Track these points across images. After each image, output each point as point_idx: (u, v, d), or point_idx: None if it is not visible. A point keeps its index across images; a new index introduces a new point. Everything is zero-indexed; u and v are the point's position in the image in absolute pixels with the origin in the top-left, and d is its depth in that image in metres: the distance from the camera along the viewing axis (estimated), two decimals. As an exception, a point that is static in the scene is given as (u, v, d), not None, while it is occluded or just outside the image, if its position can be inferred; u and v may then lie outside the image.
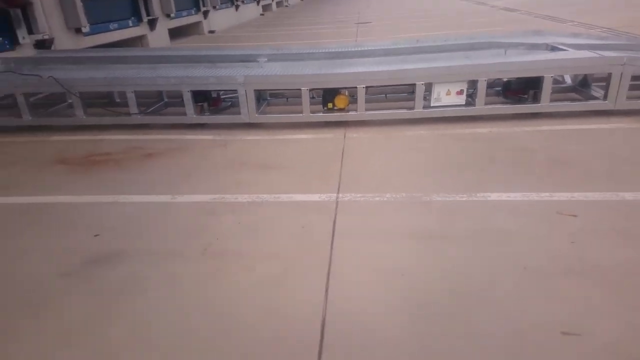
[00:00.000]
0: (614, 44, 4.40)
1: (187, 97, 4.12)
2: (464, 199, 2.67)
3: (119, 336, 1.75)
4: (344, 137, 3.92)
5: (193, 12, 12.79)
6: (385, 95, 4.62)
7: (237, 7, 16.58)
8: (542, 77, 3.72)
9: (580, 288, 1.85)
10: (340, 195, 2.84)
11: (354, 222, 2.51)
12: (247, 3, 17.67)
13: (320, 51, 5.15)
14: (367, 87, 4.10)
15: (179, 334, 1.74)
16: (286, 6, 24.98)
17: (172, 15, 10.99)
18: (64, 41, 7.09)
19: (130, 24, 9.29)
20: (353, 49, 5.11)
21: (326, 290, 1.95)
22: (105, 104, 4.72)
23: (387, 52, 4.97)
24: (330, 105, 4.24)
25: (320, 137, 3.97)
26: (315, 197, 2.85)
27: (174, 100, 4.72)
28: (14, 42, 6.16)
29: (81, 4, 7.20)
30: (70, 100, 4.62)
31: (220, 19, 14.61)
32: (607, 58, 3.65)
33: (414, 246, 2.23)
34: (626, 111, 3.74)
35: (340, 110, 4.23)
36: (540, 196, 2.58)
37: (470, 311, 1.76)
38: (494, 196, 2.65)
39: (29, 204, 2.97)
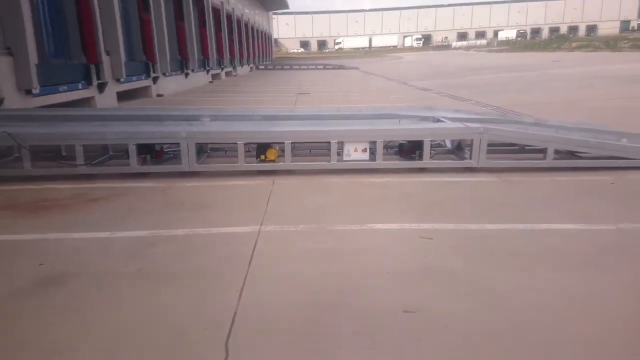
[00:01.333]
0: (482, 118, 5.61)
1: (132, 149, 4.64)
2: (357, 228, 3.37)
3: (54, 341, 2.14)
4: (273, 183, 4.59)
5: (143, 77, 13.51)
6: (310, 151, 5.43)
7: (186, 74, 17.60)
8: (423, 141, 4.73)
9: (425, 281, 2.54)
10: (262, 227, 3.43)
11: (270, 248, 3.08)
12: (196, 71, 18.78)
13: (256, 114, 5.97)
14: (292, 143, 4.89)
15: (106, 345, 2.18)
16: (234, 76, 26.57)
17: (122, 79, 11.62)
18: (14, 101, 7.40)
19: (80, 87, 9.76)
20: (284, 113, 6.00)
21: (240, 295, 2.47)
22: (51, 158, 5.07)
23: (311, 117, 5.89)
24: (262, 157, 4.94)
25: (252, 184, 4.61)
26: (241, 229, 3.41)
27: (118, 153, 5.19)
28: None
29: (35, 69, 7.66)
30: (17, 154, 4.95)
31: (169, 84, 15.43)
32: (470, 128, 4.75)
33: (314, 264, 2.83)
34: (487, 168, 4.77)
35: (271, 161, 4.94)
36: (411, 226, 3.35)
37: (347, 302, 2.37)
38: (378, 226, 3.38)
39: (-25, 240, 3.25)
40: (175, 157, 5.05)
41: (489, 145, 5.17)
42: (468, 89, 14.16)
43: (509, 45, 65.23)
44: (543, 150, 4.76)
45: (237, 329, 2.13)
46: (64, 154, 5.30)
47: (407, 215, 3.59)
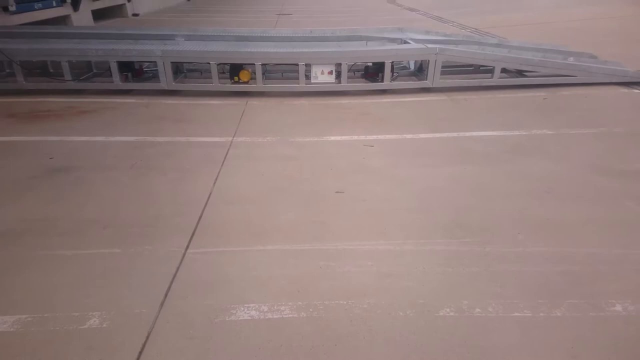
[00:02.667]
0: (445, 39, 6.02)
1: (114, 67, 5.05)
2: (315, 139, 4.02)
3: (74, 204, 2.83)
4: (246, 103, 5.11)
5: (117, -6, 13.06)
6: (282, 74, 5.88)
7: (162, -9, 16.87)
8: (384, 62, 5.20)
9: (358, 174, 3.26)
10: (235, 138, 4.05)
11: (240, 152, 3.73)
12: (172, -12, 17.94)
13: (229, 34, 6.27)
14: (264, 65, 5.33)
15: (114, 206, 2.88)
16: (214, -7, 25.23)
17: (95, -4, 11.32)
18: (-11, 17, 7.43)
19: (54, 4, 9.60)
20: (257, 34, 6.31)
21: (214, 182, 3.16)
22: (39, 74, 5.44)
23: (284, 39, 6.23)
24: (236, 78, 5.39)
25: (227, 103, 5.13)
26: (216, 139, 4.03)
27: (102, 71, 5.57)
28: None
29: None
30: (8, 70, 5.31)
31: (144, 2, 14.91)
32: (427, 49, 5.21)
33: (276, 163, 3.51)
34: (441, 88, 5.33)
35: (244, 83, 5.41)
36: (359, 137, 4.01)
37: (296, 186, 3.08)
38: (332, 137, 4.03)
39: (-13, 143, 3.83)
40: (155, 76, 5.47)
41: (450, 66, 5.70)
42: (454, 9, 14.08)
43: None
44: (492, 70, 5.30)
45: (212, 202, 2.85)
46: (50, 70, 5.66)
47: (359, 129, 4.23)
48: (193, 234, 2.51)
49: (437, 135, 4.03)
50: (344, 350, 1.75)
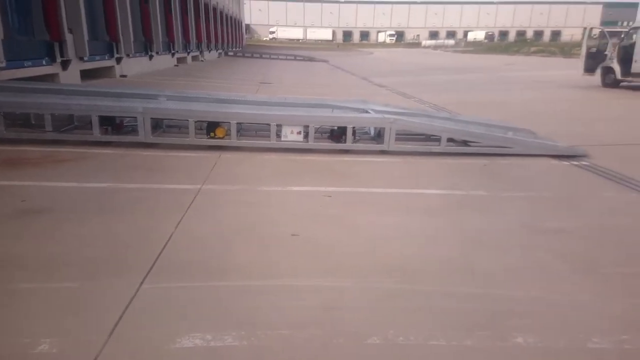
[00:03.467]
0: (401, 111, 6.65)
1: (95, 120, 5.36)
2: (280, 189, 4.31)
3: (40, 242, 2.96)
4: (219, 156, 5.43)
5: (106, 57, 13.84)
6: (255, 132, 6.30)
7: (150, 56, 17.90)
8: (346, 127, 5.72)
9: (314, 220, 3.51)
10: (204, 186, 4.30)
11: (207, 199, 3.95)
12: (161, 54, 19.06)
13: (210, 96, 6.77)
14: (238, 123, 5.76)
15: (78, 245, 3.02)
16: (201, 61, 26.80)
17: (86, 58, 11.99)
18: (-21, 72, 7.81)
19: (44, 63, 10.14)
20: (235, 98, 6.83)
21: (177, 225, 3.35)
22: (21, 125, 5.69)
23: (259, 103, 6.77)
24: (212, 134, 5.77)
25: (201, 156, 5.44)
26: (186, 187, 4.26)
27: (82, 124, 5.87)
28: None
29: (0, 42, 8.07)
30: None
31: (133, 65, 15.76)
32: (384, 118, 5.78)
33: (239, 209, 3.74)
34: (397, 152, 5.81)
35: (220, 138, 5.78)
36: (320, 188, 4.32)
37: (256, 230, 3.30)
38: (295, 188, 4.34)
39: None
40: (134, 130, 5.79)
41: (405, 134, 6.25)
42: (420, 87, 15.35)
43: (474, 47, 67.80)
44: (439, 139, 5.86)
45: (172, 242, 3.03)
46: (33, 122, 5.92)
47: (321, 182, 4.56)
48: (149, 271, 2.65)
49: (390, 190, 4.39)
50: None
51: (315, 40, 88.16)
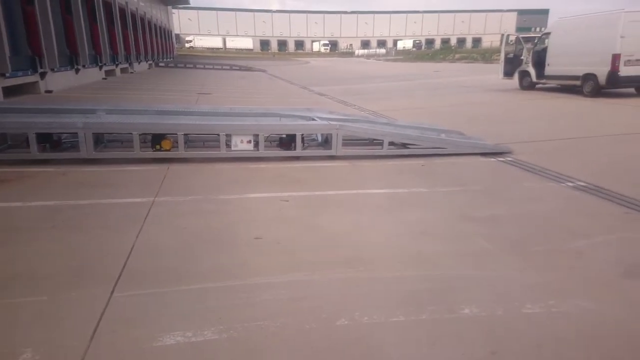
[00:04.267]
0: (345, 118, 7.04)
1: (32, 138, 5.10)
2: (236, 197, 4.43)
3: (-6, 261, 2.84)
4: (168, 169, 5.40)
5: (30, 72, 12.90)
6: (203, 143, 6.32)
7: (77, 70, 16.89)
8: (296, 134, 5.97)
9: (273, 223, 3.69)
10: (157, 198, 4.29)
11: (162, 210, 3.97)
12: (87, 67, 18.05)
13: (151, 109, 6.66)
14: (186, 135, 5.76)
15: (38, 261, 2.94)
16: (131, 73, 25.66)
17: (7, 74, 11.11)
18: None
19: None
20: (179, 109, 6.78)
21: (137, 236, 3.35)
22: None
23: (205, 113, 6.78)
24: (157, 147, 5.71)
25: (148, 169, 5.37)
26: (138, 200, 4.23)
27: (16, 142, 5.54)
28: None
29: None
30: None
31: (58, 80, 14.79)
32: (330, 125, 6.10)
33: (198, 218, 3.81)
34: (344, 156, 6.16)
35: (166, 150, 5.73)
36: (276, 194, 4.51)
37: (219, 235, 3.40)
38: (252, 195, 4.49)
39: None
40: (73, 146, 5.56)
41: (350, 139, 6.62)
42: (357, 94, 16.01)
43: (404, 55, 71.46)
44: (382, 143, 6.30)
45: (135, 253, 3.05)
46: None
47: (276, 188, 4.74)
48: (117, 280, 2.67)
49: (340, 192, 4.69)
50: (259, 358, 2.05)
51: (236, 49, 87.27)
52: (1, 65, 10.83)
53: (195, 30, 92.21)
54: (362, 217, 3.94)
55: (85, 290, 2.53)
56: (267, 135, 6.02)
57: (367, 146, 6.66)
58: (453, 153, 6.41)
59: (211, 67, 34.26)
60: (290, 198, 4.39)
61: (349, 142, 6.57)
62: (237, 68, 33.87)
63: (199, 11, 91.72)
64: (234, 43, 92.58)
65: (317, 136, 6.92)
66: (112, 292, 2.53)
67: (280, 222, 3.75)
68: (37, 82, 13.33)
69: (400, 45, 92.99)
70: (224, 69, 33.27)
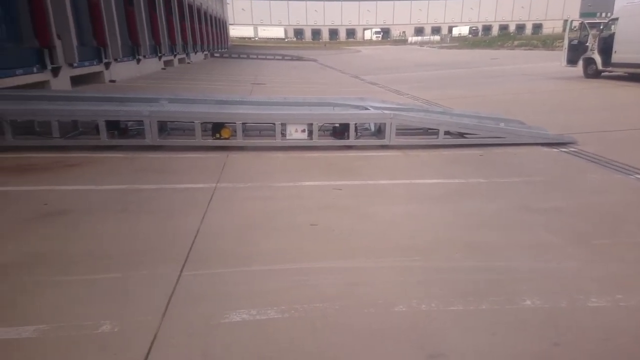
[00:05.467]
0: (399, 107, 6.91)
1: (102, 125, 5.48)
2: (291, 184, 4.51)
3: (73, 240, 3.12)
4: (227, 156, 5.60)
5: (95, 62, 13.81)
6: (259, 132, 6.48)
7: (138, 60, 17.84)
8: (349, 124, 5.95)
9: (327, 211, 3.73)
10: (218, 184, 4.47)
11: (224, 195, 4.14)
12: (148, 57, 19.00)
13: (210, 98, 6.91)
14: (243, 124, 5.94)
15: (110, 241, 3.19)
16: (188, 63, 26.71)
17: (75, 64, 11.97)
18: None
19: (35, 70, 10.13)
20: (236, 99, 6.99)
21: (202, 219, 3.53)
22: (28, 131, 5.77)
23: (261, 103, 6.94)
24: (217, 135, 5.93)
25: (209, 156, 5.59)
26: (200, 185, 4.43)
27: (88, 129, 5.98)
28: None
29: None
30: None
31: (121, 70, 15.70)
32: (384, 114, 6.01)
33: (256, 203, 3.94)
34: (397, 145, 6.07)
35: (225, 139, 5.94)
36: (329, 182, 4.55)
37: (276, 221, 3.50)
38: (305, 183, 4.55)
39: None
40: (139, 133, 5.91)
41: (404, 128, 6.50)
42: (410, 83, 15.66)
43: (459, 42, 68.52)
44: (437, 132, 6.12)
45: (200, 235, 3.22)
46: (37, 129, 6.01)
47: (329, 176, 4.78)
48: (186, 260, 2.84)
49: (394, 181, 4.64)
50: (319, 339, 2.11)
51: (267, 39, 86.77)
52: (70, 55, 11.64)
53: (248, 21, 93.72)
54: (417, 206, 3.89)
55: (156, 269, 2.72)
56: (320, 124, 6.06)
57: (421, 135, 6.51)
58: (513, 143, 6.12)
59: (263, 57, 34.99)
60: (343, 187, 4.41)
61: (402, 131, 6.46)
62: (289, 58, 34.32)
63: (252, 1, 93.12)
64: (265, 33, 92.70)
65: (369, 125, 6.86)
66: (181, 271, 2.69)
67: (335, 210, 3.78)
68: (101, 72, 14.24)
69: (456, 32, 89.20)
70: (276, 59, 33.82)
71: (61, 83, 11.30)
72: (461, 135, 6.39)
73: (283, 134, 5.96)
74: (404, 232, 3.34)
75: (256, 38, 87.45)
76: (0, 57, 8.61)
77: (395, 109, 6.63)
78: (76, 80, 12.52)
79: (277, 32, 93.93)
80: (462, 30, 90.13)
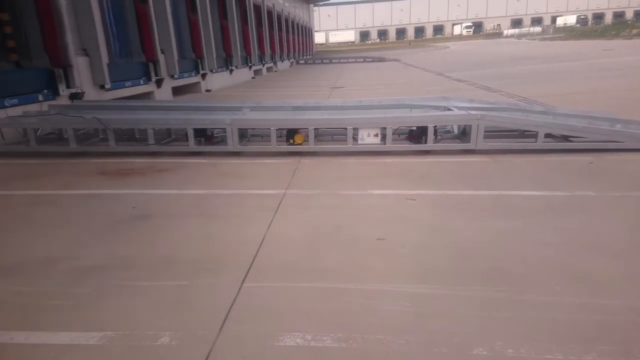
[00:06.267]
0: (488, 107, 6.30)
1: (190, 133, 5.86)
2: (360, 192, 4.34)
3: (150, 245, 3.32)
4: (299, 162, 5.62)
5: (193, 74, 15.04)
6: (332, 137, 6.41)
7: (231, 71, 19.08)
8: (427, 127, 5.57)
9: (397, 224, 3.47)
10: (287, 190, 4.48)
11: (291, 202, 4.13)
12: (239, 68, 20.22)
13: (287, 105, 7.03)
14: (315, 129, 5.93)
15: (183, 246, 3.33)
16: (275, 71, 27.92)
17: (176, 76, 13.15)
18: (91, 94, 8.97)
19: (142, 82, 11.33)
20: (311, 104, 7.02)
21: (268, 227, 3.53)
22: (127, 139, 6.42)
23: (335, 108, 6.87)
24: (291, 141, 5.99)
25: (282, 162, 5.67)
26: (271, 192, 4.48)
27: (179, 137, 6.45)
28: (55, 93, 8.00)
29: (107, 67, 9.19)
30: (101, 136, 6.34)
31: (216, 80, 16.92)
32: (470, 115, 5.51)
33: (323, 212, 3.85)
34: (485, 150, 5.51)
35: (298, 144, 5.98)
36: (402, 191, 4.27)
37: (342, 233, 3.36)
38: (376, 191, 4.33)
39: (86, 194, 4.59)
40: (223, 140, 6.21)
41: (495, 131, 5.93)
42: (503, 79, 14.46)
43: (565, 33, 61.90)
44: (536, 135, 5.45)
45: (265, 244, 3.21)
46: (137, 136, 6.65)
47: (402, 184, 4.51)
48: (248, 270, 2.83)
49: (479, 192, 4.19)
50: (377, 374, 1.90)
51: (339, 43, 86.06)
52: (171, 68, 12.83)
53: (333, 26, 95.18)
54: (507, 223, 3.44)
55: (221, 278, 2.74)
56: (395, 128, 5.78)
57: (516, 139, 5.87)
58: (632, 148, 5.22)
59: (345, 60, 35.39)
60: (417, 196, 4.11)
61: (492, 134, 5.90)
62: (371, 60, 34.26)
63: (338, 7, 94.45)
64: (336, 37, 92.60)
65: (452, 128, 6.39)
66: (243, 281, 2.69)
67: (406, 223, 3.52)
68: (199, 82, 15.47)
69: (560, 21, 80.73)
70: (358, 62, 33.87)
71: (164, 93, 12.51)
72: (565, 138, 5.63)
73: (355, 139, 5.81)
74: (489, 255, 2.95)
75: (327, 43, 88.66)
76: (113, 71, 9.74)
77: (484, 108, 6.07)
78: (177, 91, 13.77)
79: (347, 36, 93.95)
80: (567, 19, 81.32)
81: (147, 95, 11.75)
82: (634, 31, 46.99)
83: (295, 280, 2.70)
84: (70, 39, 8.25)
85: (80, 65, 8.69)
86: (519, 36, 71.28)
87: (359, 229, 3.44)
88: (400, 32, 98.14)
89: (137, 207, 4.09)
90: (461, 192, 4.22)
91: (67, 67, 8.19)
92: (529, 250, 2.99)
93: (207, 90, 15.93)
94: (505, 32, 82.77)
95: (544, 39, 55.66)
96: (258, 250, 3.12)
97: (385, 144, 5.71)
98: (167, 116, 6.13)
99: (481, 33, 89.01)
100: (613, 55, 22.25)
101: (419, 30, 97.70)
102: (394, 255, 2.99)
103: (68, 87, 8.23)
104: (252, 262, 2.95)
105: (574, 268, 2.71)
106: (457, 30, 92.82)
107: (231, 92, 16.05)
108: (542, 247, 3.01)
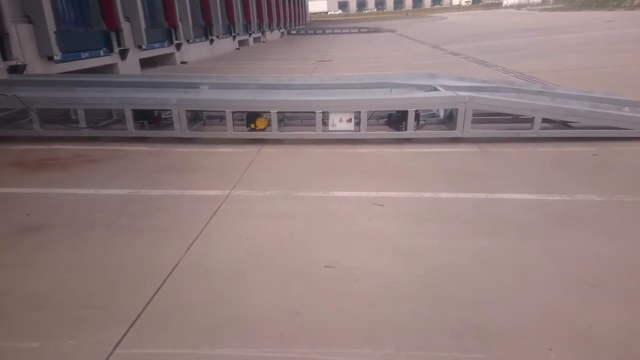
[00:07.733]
0: (480, 86, 5.41)
1: (129, 115, 4.96)
2: (319, 195, 3.53)
3: (23, 274, 2.51)
4: (259, 151, 4.78)
5: (165, 44, 13.84)
6: (301, 120, 5.54)
7: (211, 41, 17.79)
8: (407, 111, 4.71)
9: (355, 241, 2.69)
10: (232, 191, 3.67)
11: (232, 209, 3.32)
12: (222, 38, 18.89)
13: (253, 82, 6.10)
14: (283, 113, 5.04)
15: (64, 277, 2.51)
16: (263, 42, 26.45)
17: (144, 46, 11.99)
18: (36, 67, 7.93)
19: (102, 54, 10.21)
20: (282, 82, 6.09)
21: (189, 246, 2.74)
22: (62, 121, 5.51)
23: (308, 86, 5.94)
24: (252, 125, 5.12)
25: (239, 151, 4.82)
26: (212, 192, 3.66)
27: (121, 118, 5.54)
28: (-12, 67, 6.99)
29: (54, 35, 8.10)
30: (29, 117, 5.42)
31: (193, 51, 15.70)
32: (456, 97, 4.65)
33: (266, 224, 3.05)
34: (473, 138, 4.70)
35: (260, 130, 5.11)
36: (369, 193, 3.47)
37: (281, 256, 2.58)
38: (338, 193, 3.53)
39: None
40: (172, 123, 5.33)
41: (485, 115, 5.10)
42: (501, 53, 13.50)
43: (565, 3, 59.99)
44: (532, 120, 4.63)
45: (174, 275, 2.41)
46: (73, 117, 5.73)
47: (371, 183, 3.71)
48: (134, 322, 2.05)
49: (461, 195, 3.40)
50: None
51: (312, 13, 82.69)
52: (138, 38, 11.65)
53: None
54: (492, 243, 2.67)
55: (87, 339, 1.96)
56: (371, 112, 4.92)
57: (509, 124, 5.05)
58: (641, 137, 4.45)
59: (339, 31, 33.97)
60: (387, 201, 3.32)
61: (483, 118, 5.07)
62: (365, 30, 32.95)
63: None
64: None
65: (438, 111, 5.54)
66: (117, 345, 1.91)
67: (366, 241, 2.74)
68: (172, 53, 14.27)
69: (561, -9, 78.24)
70: (352, 32, 32.44)
71: (130, 66, 11.38)
72: (565, 124, 4.81)
73: (325, 124, 4.96)
74: (467, 294, 2.19)
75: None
76: (65, 41, 8.65)
77: (474, 88, 5.21)
78: (147, 62, 12.61)
79: (320, 6, 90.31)
80: (569, -11, 78.63)
81: (109, 69, 10.67)
82: (636, 2, 45.44)
83: (191, 342, 1.93)
84: (5, 2, 7.16)
85: (21, 33, 7.62)
86: (519, 7, 69.13)
87: (307, 250, 2.66)
88: (398, 2, 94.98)
89: (33, 214, 3.26)
90: (438, 194, 3.43)
91: (2, 36, 7.14)
92: (517, 285, 2.24)
93: (183, 62, 14.77)
94: (504, 2, 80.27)
95: (544, 10, 53.88)
96: (161, 286, 2.33)
97: (359, 130, 4.87)
98: (103, 94, 5.20)
99: (480, 3, 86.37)
100: (614, 27, 21.13)
101: (417, 1, 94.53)
102: (341, 294, 2.22)
103: (5, 59, 7.21)
104: (145, 306, 2.16)
105: (574, 319, 1.97)
106: (456, 0, 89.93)
107: (209, 64, 14.90)
108: (535, 285, 2.25)
